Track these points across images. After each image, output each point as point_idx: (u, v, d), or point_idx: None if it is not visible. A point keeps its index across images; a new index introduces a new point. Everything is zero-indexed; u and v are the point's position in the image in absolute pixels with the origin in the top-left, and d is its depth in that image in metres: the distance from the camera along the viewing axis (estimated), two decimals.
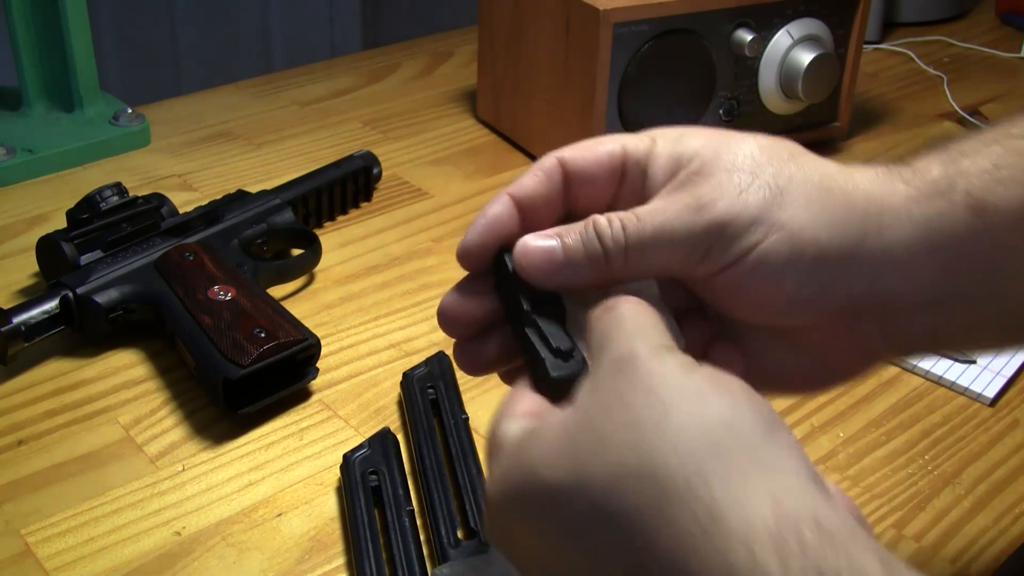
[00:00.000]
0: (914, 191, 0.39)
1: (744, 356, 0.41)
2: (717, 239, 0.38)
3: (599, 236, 0.40)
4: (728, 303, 0.40)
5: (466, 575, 0.48)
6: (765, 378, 0.40)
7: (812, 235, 0.38)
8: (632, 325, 0.35)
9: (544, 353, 0.37)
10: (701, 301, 0.42)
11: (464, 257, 0.42)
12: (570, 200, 0.43)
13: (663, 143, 0.42)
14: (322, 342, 0.63)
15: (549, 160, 0.43)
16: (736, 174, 0.39)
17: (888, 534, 0.53)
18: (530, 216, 0.42)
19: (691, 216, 0.39)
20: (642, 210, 0.40)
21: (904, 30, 1.22)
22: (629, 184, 0.43)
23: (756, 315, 0.40)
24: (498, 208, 0.41)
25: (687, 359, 0.33)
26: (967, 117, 1.00)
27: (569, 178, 0.43)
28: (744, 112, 0.86)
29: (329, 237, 0.77)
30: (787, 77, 0.85)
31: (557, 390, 0.36)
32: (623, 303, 0.36)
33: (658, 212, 0.40)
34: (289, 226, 0.73)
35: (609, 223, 0.40)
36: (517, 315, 0.39)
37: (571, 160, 0.43)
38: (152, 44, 1.61)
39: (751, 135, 0.41)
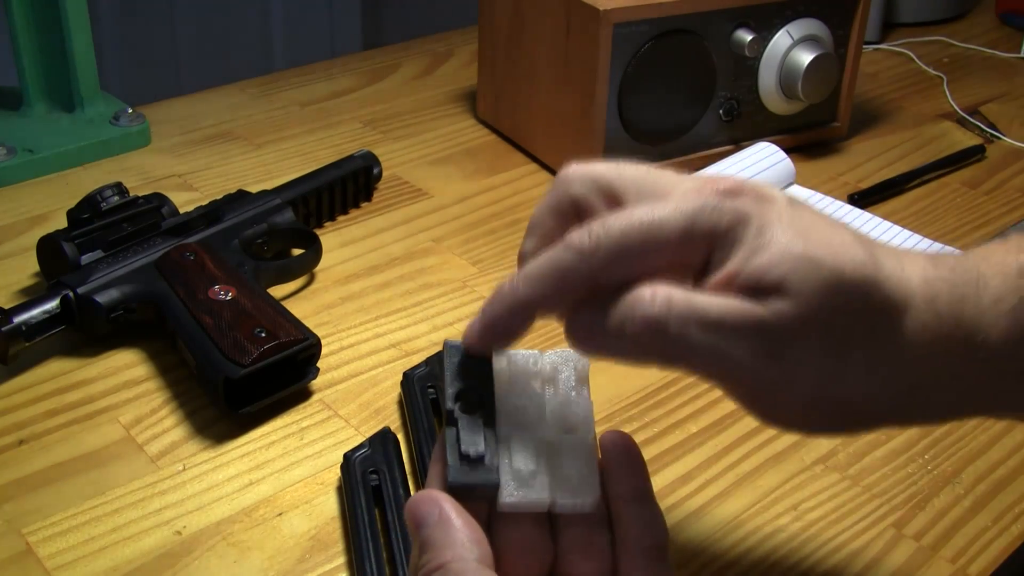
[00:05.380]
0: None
1: None
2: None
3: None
4: None
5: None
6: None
7: None
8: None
9: (451, 458, 0.37)
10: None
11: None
12: None
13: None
14: (322, 342, 0.63)
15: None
16: None
17: (888, 533, 0.53)
18: None
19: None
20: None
21: (904, 30, 1.22)
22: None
23: None
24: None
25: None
26: (967, 117, 1.01)
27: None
28: (744, 112, 0.86)
29: (329, 237, 0.77)
30: (787, 77, 0.85)
31: (456, 495, 0.36)
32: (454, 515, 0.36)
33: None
34: (289, 226, 0.73)
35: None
36: (443, 411, 0.39)
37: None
38: (152, 44, 1.61)
39: None
